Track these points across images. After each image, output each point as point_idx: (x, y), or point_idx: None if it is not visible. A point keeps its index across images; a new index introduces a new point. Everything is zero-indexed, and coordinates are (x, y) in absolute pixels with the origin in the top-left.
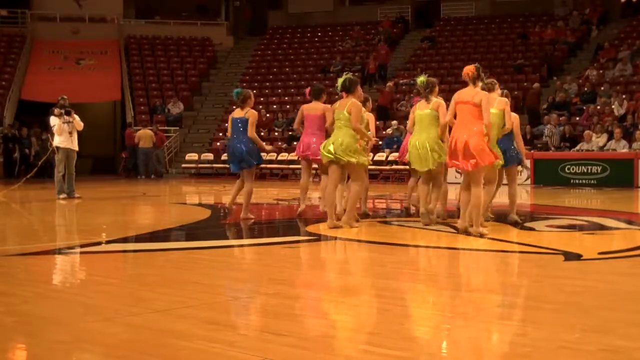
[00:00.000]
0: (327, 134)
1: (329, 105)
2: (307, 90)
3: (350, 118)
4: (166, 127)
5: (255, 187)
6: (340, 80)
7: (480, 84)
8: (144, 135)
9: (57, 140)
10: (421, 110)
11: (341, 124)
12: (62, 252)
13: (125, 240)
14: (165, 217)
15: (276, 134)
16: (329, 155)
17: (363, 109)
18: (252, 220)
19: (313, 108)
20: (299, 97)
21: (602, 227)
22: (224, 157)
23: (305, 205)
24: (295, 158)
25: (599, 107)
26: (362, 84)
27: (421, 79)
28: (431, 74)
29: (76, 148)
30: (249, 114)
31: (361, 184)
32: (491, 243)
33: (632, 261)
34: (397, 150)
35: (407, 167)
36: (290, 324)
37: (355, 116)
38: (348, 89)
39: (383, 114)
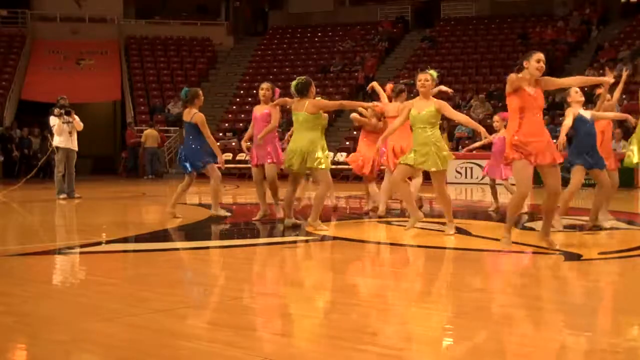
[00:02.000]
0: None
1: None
2: None
3: (310, 118)
4: (166, 127)
5: (253, 187)
6: (293, 85)
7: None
8: (151, 135)
9: (57, 140)
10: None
11: (299, 126)
12: (62, 252)
13: (125, 240)
14: (165, 217)
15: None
16: (291, 168)
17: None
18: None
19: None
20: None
21: (602, 227)
22: (225, 156)
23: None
24: None
25: None
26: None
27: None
28: None
29: (76, 148)
30: (196, 118)
31: (327, 186)
32: (491, 243)
33: (632, 261)
34: None
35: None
36: (291, 324)
37: (325, 105)
38: (301, 92)
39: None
